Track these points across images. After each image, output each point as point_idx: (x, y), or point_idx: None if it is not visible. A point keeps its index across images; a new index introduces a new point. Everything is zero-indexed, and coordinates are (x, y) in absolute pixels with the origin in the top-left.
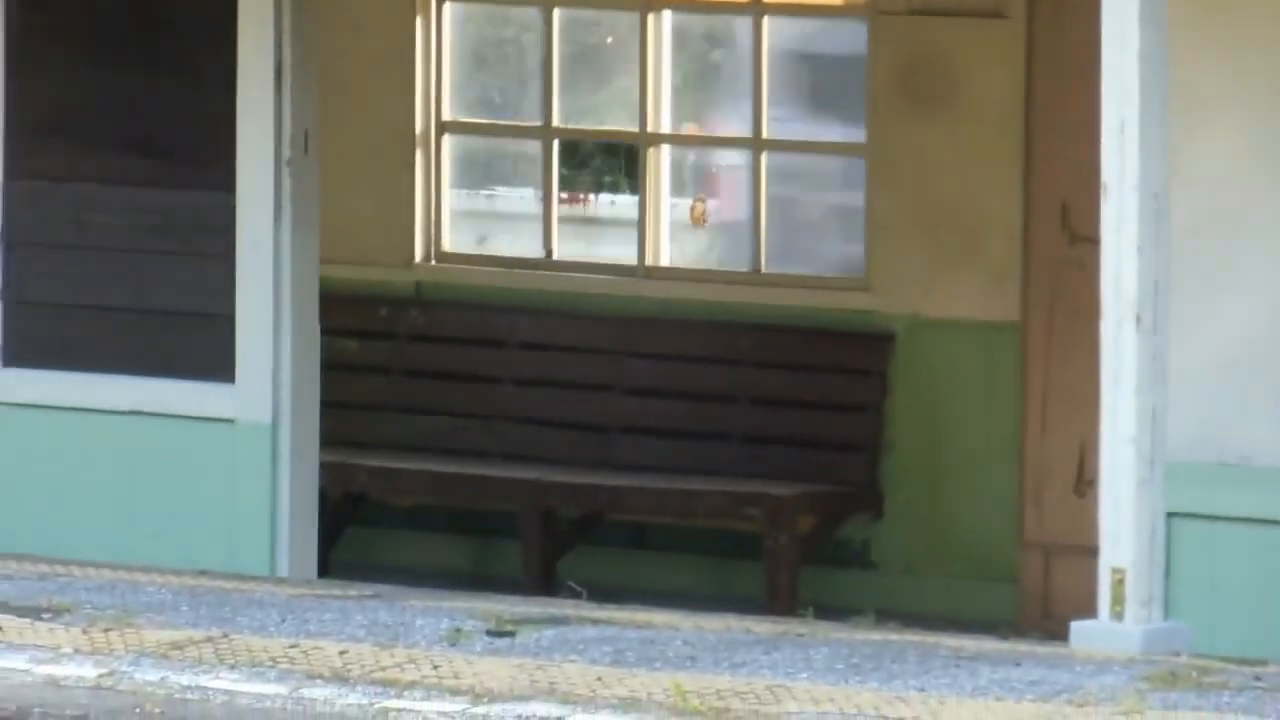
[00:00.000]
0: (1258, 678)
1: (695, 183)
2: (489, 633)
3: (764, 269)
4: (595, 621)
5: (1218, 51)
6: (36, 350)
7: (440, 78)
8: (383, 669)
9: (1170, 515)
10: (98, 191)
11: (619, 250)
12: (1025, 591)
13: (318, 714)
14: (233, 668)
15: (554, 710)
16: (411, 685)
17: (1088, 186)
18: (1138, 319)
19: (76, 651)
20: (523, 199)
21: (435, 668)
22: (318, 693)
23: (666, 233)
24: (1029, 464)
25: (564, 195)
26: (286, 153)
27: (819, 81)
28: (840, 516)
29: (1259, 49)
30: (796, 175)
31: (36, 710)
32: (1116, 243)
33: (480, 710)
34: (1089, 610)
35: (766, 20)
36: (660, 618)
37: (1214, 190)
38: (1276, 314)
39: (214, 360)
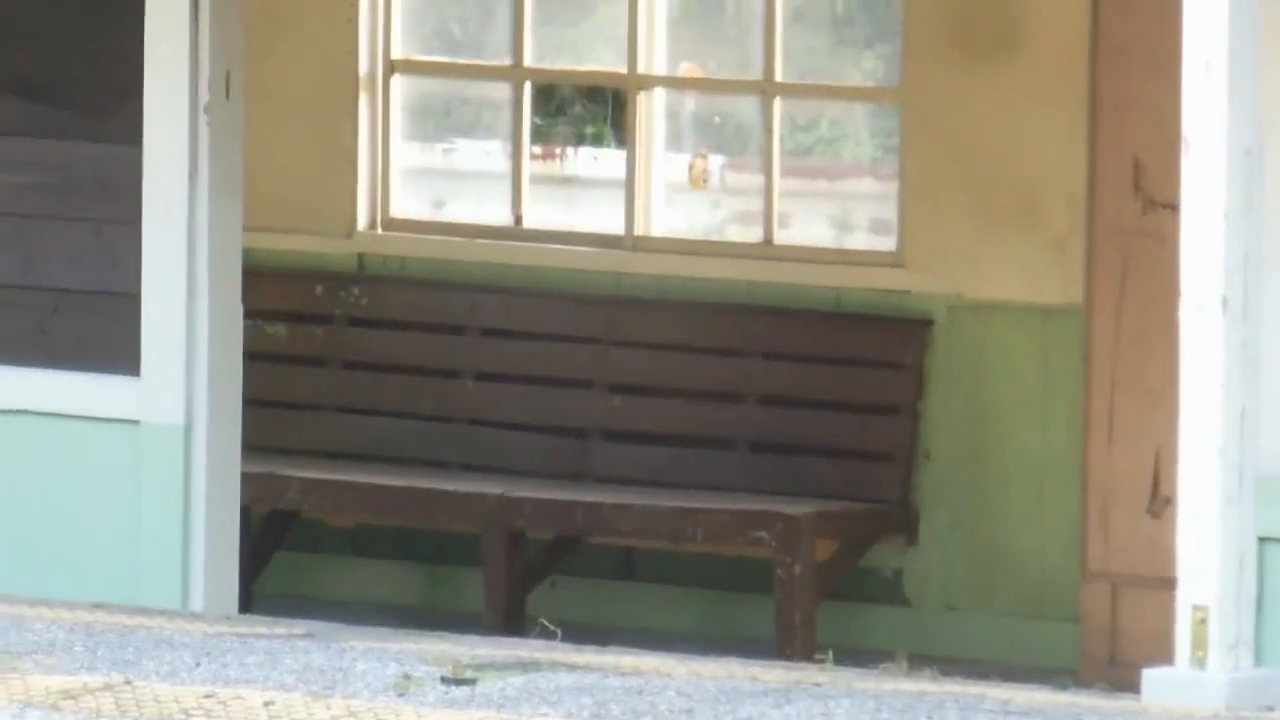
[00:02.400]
0: None
1: (695, 136)
2: (445, 680)
3: (776, 240)
4: (572, 667)
5: None
6: None
7: (390, 8)
8: None
9: (1263, 541)
10: None
11: (602, 217)
12: (1089, 632)
13: None
14: None
15: None
16: None
17: (1165, 141)
18: (1224, 301)
19: None
20: (488, 154)
21: None
22: None
23: (660, 196)
24: (1093, 478)
25: (537, 150)
26: (204, 97)
27: (844, 13)
28: (866, 541)
29: None
30: (816, 126)
31: None
32: (1199, 208)
33: None
34: (1165, 655)
35: None
36: (650, 663)
37: None
38: None
39: (115, 349)
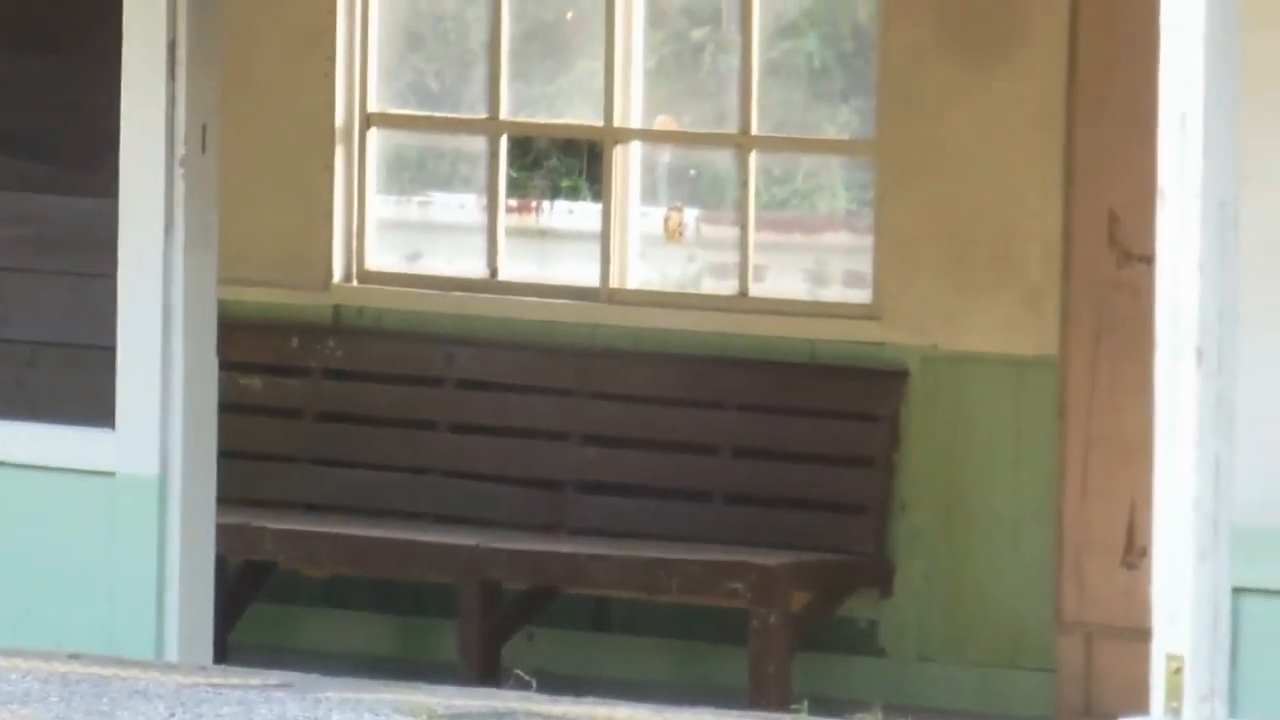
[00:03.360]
0: None
1: (670, 189)
2: None
3: (751, 292)
4: (547, 717)
5: None
6: None
7: (366, 60)
8: None
9: (1238, 591)
10: None
11: (578, 269)
12: (1064, 682)
13: None
14: None
15: None
16: None
17: (1141, 194)
18: (1199, 353)
19: None
20: (463, 207)
21: None
22: None
23: (635, 249)
24: (1068, 529)
25: (513, 203)
26: (180, 151)
27: (819, 66)
28: (842, 592)
29: None
30: (792, 179)
31: None
32: (1174, 261)
33: None
34: (1140, 705)
35: None
36: (624, 713)
37: None
38: None
39: (90, 401)
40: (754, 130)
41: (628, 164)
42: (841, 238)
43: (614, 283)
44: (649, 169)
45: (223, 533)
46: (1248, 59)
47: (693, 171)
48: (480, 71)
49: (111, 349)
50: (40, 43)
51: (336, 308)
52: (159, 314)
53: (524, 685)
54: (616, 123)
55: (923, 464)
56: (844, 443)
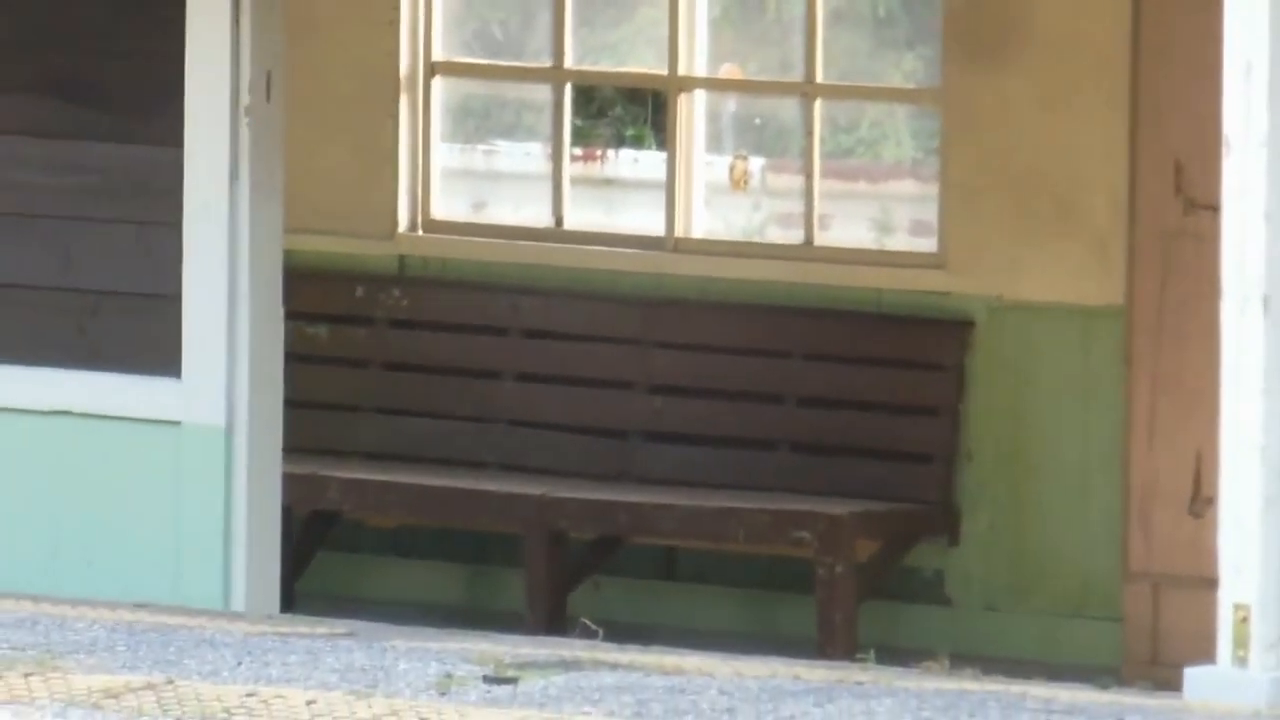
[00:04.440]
0: None
1: (735, 137)
2: (486, 679)
3: (817, 241)
4: (614, 666)
5: None
6: None
7: (430, 9)
8: None
9: None
10: (14, 145)
11: (643, 219)
12: (1130, 631)
13: None
14: (179, 719)
15: None
16: None
17: (1206, 143)
18: (1265, 301)
19: None
20: (528, 156)
21: None
22: None
23: (700, 198)
24: (1135, 478)
25: (578, 152)
26: (245, 99)
27: (885, 14)
28: (908, 541)
29: None
30: (857, 128)
31: None
32: (1240, 209)
33: None
34: (1207, 654)
35: None
36: (691, 662)
37: None
38: None
39: (156, 350)
40: (819, 78)
41: (692, 112)
42: (907, 186)
43: (679, 232)
44: (714, 117)
45: (289, 482)
46: None
47: (758, 120)
48: (545, 19)
49: (177, 298)
50: None
51: (402, 257)
52: (224, 263)
53: (591, 635)
54: (681, 71)
55: (988, 413)
56: (910, 392)
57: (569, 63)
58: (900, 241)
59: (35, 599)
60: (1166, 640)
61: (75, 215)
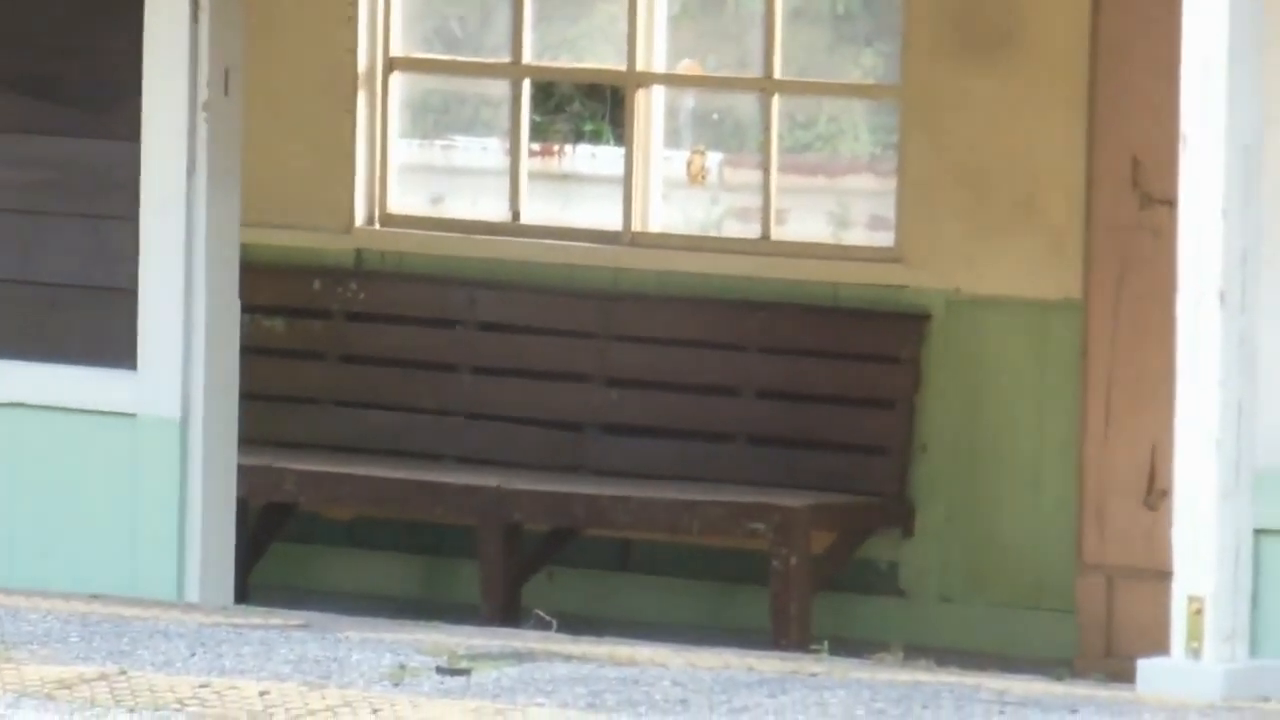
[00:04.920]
0: None
1: (693, 132)
2: (440, 670)
3: (774, 236)
4: (567, 657)
5: None
6: None
7: (389, 6)
8: (312, 713)
9: (1259, 533)
10: None
11: (600, 213)
12: (1084, 623)
13: None
14: (131, 710)
15: None
16: None
17: (1164, 138)
18: (1221, 296)
19: None
20: (486, 151)
21: (375, 712)
22: None
23: (658, 192)
24: (1090, 471)
25: (535, 147)
26: (203, 94)
27: (843, 10)
28: (863, 533)
29: None
30: (815, 123)
31: None
32: (1197, 205)
33: None
34: (1160, 646)
35: None
36: (645, 653)
37: None
38: None
39: (113, 343)
40: (777, 74)
41: (650, 108)
42: (864, 181)
43: (636, 226)
44: (672, 113)
45: (245, 474)
46: (1270, 9)
47: (716, 115)
48: (503, 15)
49: (133, 291)
50: None
51: (359, 251)
52: (181, 256)
53: (545, 625)
54: (639, 67)
55: (944, 406)
56: (866, 385)
57: (527, 58)
58: (858, 236)
59: None
60: (1120, 632)
61: (33, 209)
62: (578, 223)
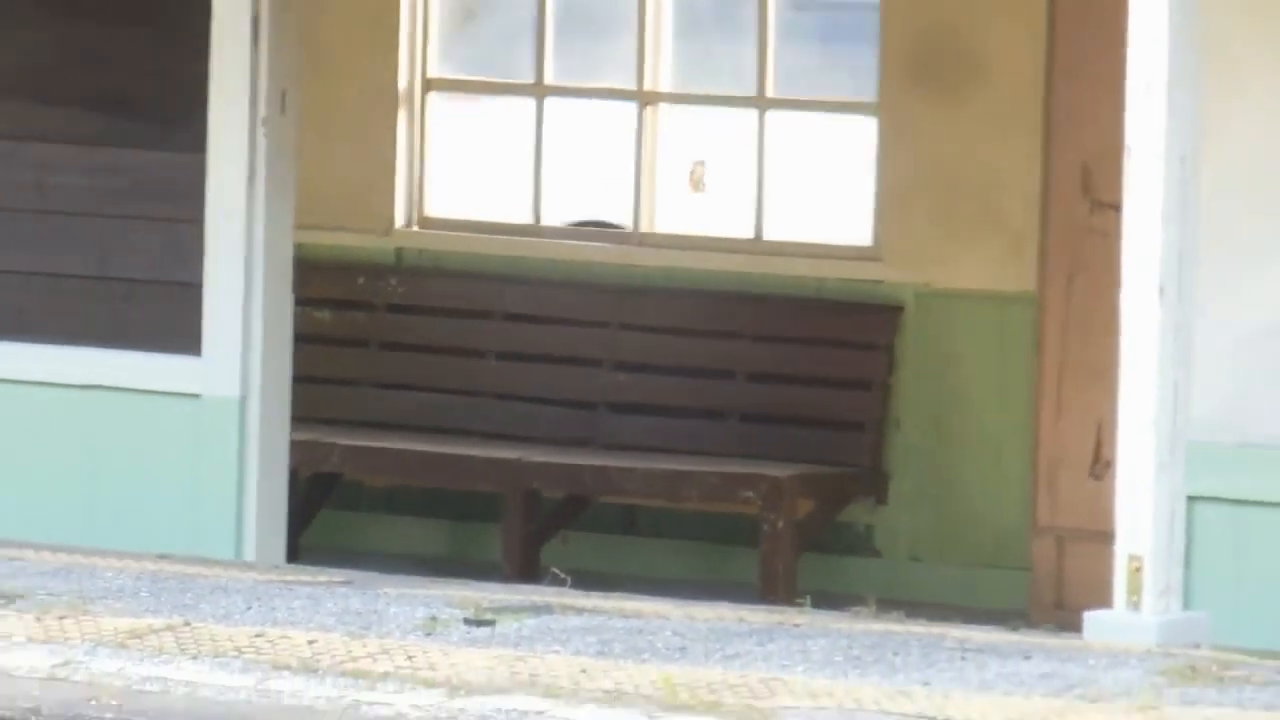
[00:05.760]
0: None
1: (696, 145)
2: (467, 621)
3: (766, 236)
4: (580, 610)
5: (1252, 10)
6: None
7: (426, 33)
8: (354, 659)
9: (1192, 500)
10: (59, 152)
11: (613, 216)
12: (1037, 580)
13: (284, 707)
14: (195, 658)
15: (535, 703)
16: (384, 677)
17: (1111, 150)
18: (1161, 291)
19: (29, 640)
20: (511, 161)
21: (410, 658)
22: (285, 685)
23: (664, 197)
24: (1043, 445)
25: (555, 158)
26: (262, 112)
27: (828, 36)
28: (842, 500)
29: None
30: (804, 136)
31: None
32: (1140, 209)
33: (457, 703)
34: (1104, 600)
35: None
36: (649, 606)
37: (1248, 156)
38: None
39: (179, 332)
40: (769, 93)
41: (657, 123)
42: (845, 188)
43: (645, 227)
44: (676, 127)
45: (295, 448)
46: (1208, 38)
47: (715, 129)
48: (527, 41)
49: (198, 286)
50: (137, 17)
51: (399, 250)
52: (241, 255)
53: (560, 582)
54: (648, 87)
55: (915, 388)
56: (845, 369)
57: (549, 79)
58: (839, 236)
59: (70, 550)
60: (1069, 587)
61: (110, 213)
62: (592, 224)
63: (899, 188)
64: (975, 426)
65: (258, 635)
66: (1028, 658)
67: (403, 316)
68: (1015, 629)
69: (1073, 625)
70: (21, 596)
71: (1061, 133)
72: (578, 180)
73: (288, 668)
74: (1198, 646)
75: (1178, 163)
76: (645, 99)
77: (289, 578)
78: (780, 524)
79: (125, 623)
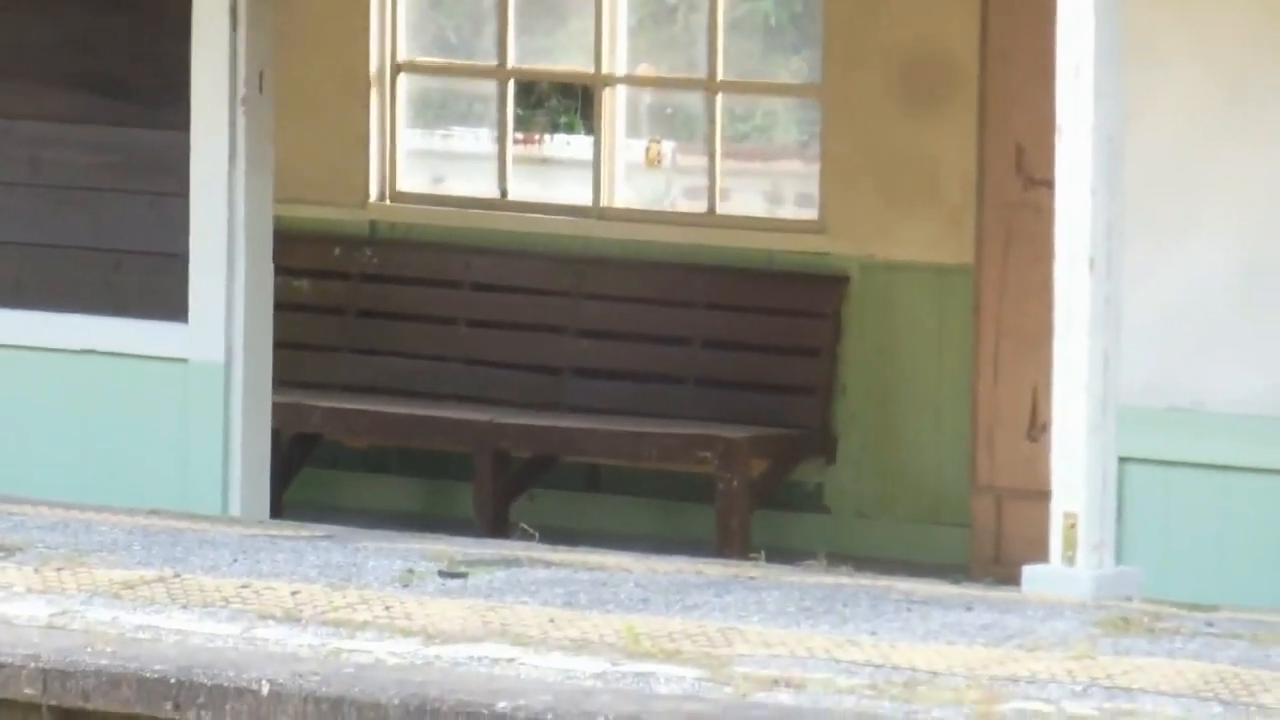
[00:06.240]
0: (1210, 623)
1: (650, 124)
2: (441, 574)
3: (718, 210)
4: (547, 563)
5: (1176, 1)
6: None
7: (396, 18)
8: (335, 610)
9: (1123, 460)
10: (52, 130)
11: (574, 191)
12: (977, 536)
13: (269, 654)
14: (185, 607)
15: (506, 651)
16: (364, 626)
17: (1043, 130)
18: (1091, 262)
19: (28, 590)
20: (478, 139)
21: (387, 608)
22: (269, 633)
23: (621, 174)
24: (981, 408)
25: (519, 136)
26: (241, 91)
27: (775, 24)
28: (793, 460)
29: (1217, 1)
30: (752, 117)
31: None
32: (1070, 186)
33: (432, 651)
34: (1041, 555)
35: None
36: (612, 560)
37: (1171, 138)
38: (1233, 260)
39: (167, 300)
40: (720, 76)
41: (615, 104)
42: (793, 165)
43: (604, 202)
44: (633, 108)
45: (277, 410)
46: (1132, 29)
47: (669, 110)
48: (491, 26)
49: (184, 256)
50: (124, 3)
51: (373, 222)
52: (224, 227)
53: (529, 537)
54: (605, 70)
55: (861, 354)
56: (795, 336)
57: (511, 62)
58: (787, 211)
59: (66, 506)
60: (1008, 543)
61: (101, 187)
62: (555, 199)
63: (843, 165)
64: (917, 390)
65: (244, 586)
66: (969, 609)
67: (377, 286)
68: (957, 582)
69: (1011, 579)
70: (21, 550)
71: (996, 114)
72: (541, 158)
73: (272, 617)
74: (1130, 600)
75: (1105, 142)
76: (603, 81)
77: (273, 532)
78: (735, 482)
79: (119, 574)
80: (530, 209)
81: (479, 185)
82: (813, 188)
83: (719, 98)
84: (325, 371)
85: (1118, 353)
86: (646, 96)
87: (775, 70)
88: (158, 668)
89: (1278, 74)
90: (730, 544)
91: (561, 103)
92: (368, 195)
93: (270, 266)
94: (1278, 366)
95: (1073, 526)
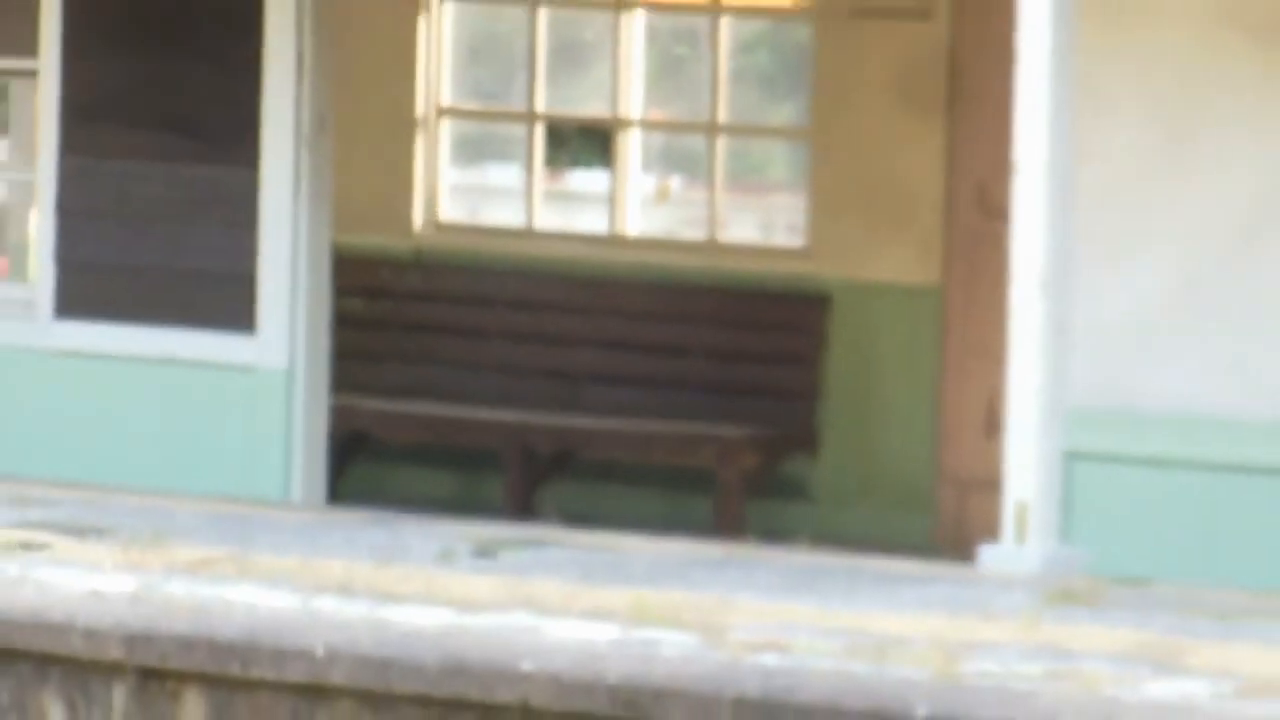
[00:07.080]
0: (1143, 597)
1: (661, 163)
2: (475, 553)
3: (719, 239)
4: (568, 545)
5: (1121, 54)
6: (84, 305)
7: (440, 68)
8: (381, 583)
9: (1072, 455)
10: (138, 166)
11: (593, 221)
12: (941, 520)
13: (325, 621)
14: (251, 581)
15: (530, 620)
16: (407, 597)
17: (1003, 167)
18: (1043, 285)
19: (116, 567)
20: (510, 175)
21: (427, 582)
22: (325, 604)
23: (635, 207)
24: (946, 410)
25: (546, 172)
26: (305, 132)
27: (770, 73)
28: (781, 455)
29: (1158, 52)
30: (748, 156)
31: (80, 618)
32: (1026, 217)
33: (466, 619)
34: (996, 537)
35: (724, 20)
36: (624, 542)
37: (1118, 173)
38: (1171, 278)
39: (238, 314)
40: (721, 120)
41: (630, 145)
42: (784, 199)
43: (619, 231)
44: (646, 148)
45: (333, 411)
46: (1084, 77)
47: (677, 150)
48: (523, 76)
49: (253, 276)
50: (203, 53)
51: (417, 249)
52: (288, 251)
53: (551, 521)
54: (622, 114)
55: (841, 364)
56: (784, 348)
57: (540, 107)
58: (779, 238)
59: (148, 494)
60: (967, 527)
61: (181, 217)
62: (577, 229)
63: (827, 199)
64: (891, 395)
65: (302, 564)
66: (933, 584)
67: (421, 304)
68: (923, 561)
69: (970, 558)
70: (110, 532)
71: (962, 152)
72: (564, 192)
73: (327, 590)
74: (1075, 577)
75: (1058, 178)
76: (620, 124)
77: (328, 517)
78: (731, 475)
79: (194, 553)
80: (555, 237)
81: (510, 216)
82: (801, 218)
83: (720, 139)
84: (374, 378)
85: (1064, 363)
86: (657, 138)
87: (769, 115)
88: (227, 633)
89: (1211, 116)
90: (727, 529)
91: (583, 143)
92: (413, 225)
93: (328, 286)
94: (1210, 371)
95: (1024, 512)
